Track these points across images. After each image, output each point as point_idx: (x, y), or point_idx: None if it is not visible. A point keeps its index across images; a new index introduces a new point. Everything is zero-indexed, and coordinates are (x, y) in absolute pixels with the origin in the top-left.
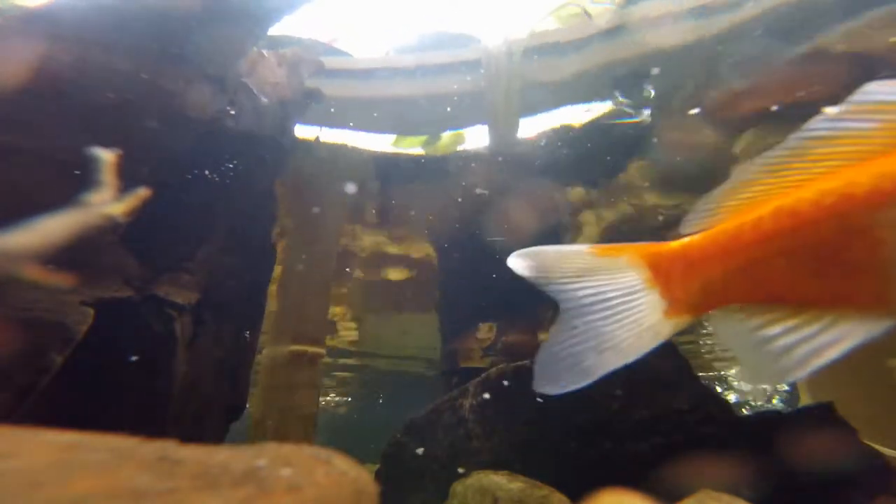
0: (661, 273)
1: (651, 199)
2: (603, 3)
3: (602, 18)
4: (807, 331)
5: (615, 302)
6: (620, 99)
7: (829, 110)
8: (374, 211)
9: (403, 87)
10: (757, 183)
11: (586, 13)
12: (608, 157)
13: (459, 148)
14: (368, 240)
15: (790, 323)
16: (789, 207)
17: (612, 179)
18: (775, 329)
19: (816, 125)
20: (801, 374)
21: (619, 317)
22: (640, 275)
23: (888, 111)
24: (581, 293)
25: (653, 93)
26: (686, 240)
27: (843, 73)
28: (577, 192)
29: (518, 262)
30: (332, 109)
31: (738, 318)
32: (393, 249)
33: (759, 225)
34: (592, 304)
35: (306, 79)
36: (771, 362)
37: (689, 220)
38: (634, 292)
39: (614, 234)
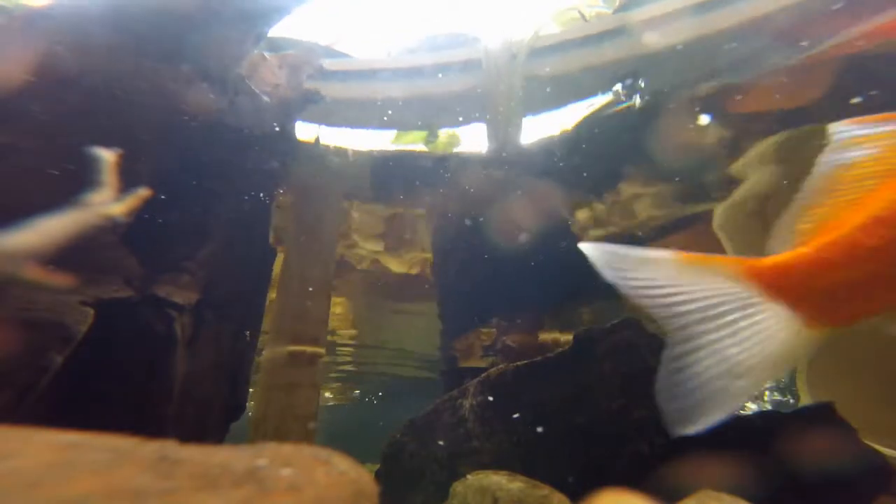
0: (778, 286)
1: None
2: (597, 6)
3: (600, 20)
4: None
5: (732, 318)
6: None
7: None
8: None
9: (404, 87)
10: (819, 205)
11: (581, 15)
12: (607, 158)
13: (456, 150)
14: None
15: None
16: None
17: (615, 187)
18: None
19: (830, 158)
20: None
21: (743, 334)
22: (748, 287)
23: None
24: (685, 308)
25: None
26: (788, 254)
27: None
28: (582, 211)
29: (594, 255)
30: (332, 109)
31: None
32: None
33: (872, 232)
34: (703, 319)
35: (306, 80)
36: None
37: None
38: (751, 306)
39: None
